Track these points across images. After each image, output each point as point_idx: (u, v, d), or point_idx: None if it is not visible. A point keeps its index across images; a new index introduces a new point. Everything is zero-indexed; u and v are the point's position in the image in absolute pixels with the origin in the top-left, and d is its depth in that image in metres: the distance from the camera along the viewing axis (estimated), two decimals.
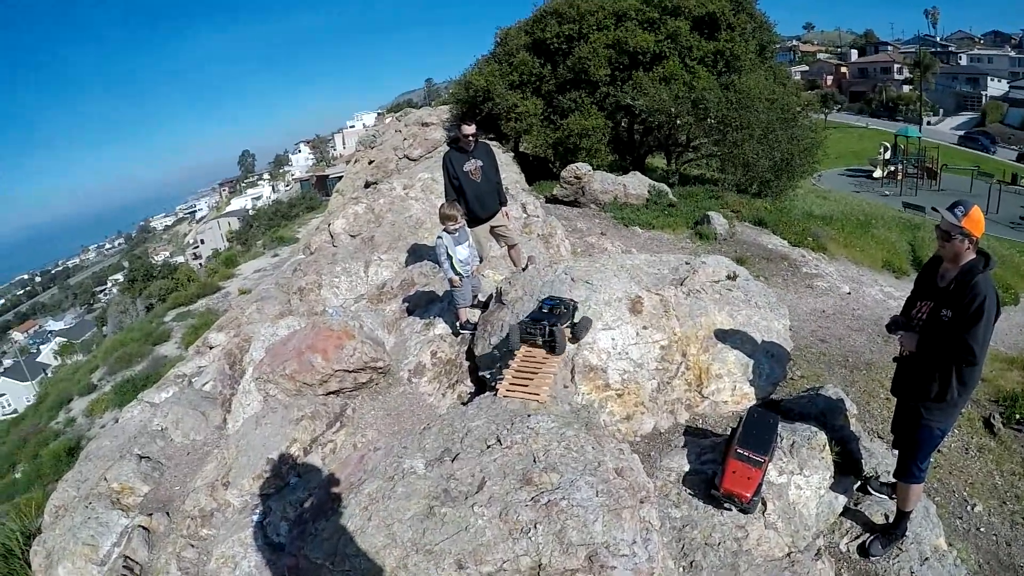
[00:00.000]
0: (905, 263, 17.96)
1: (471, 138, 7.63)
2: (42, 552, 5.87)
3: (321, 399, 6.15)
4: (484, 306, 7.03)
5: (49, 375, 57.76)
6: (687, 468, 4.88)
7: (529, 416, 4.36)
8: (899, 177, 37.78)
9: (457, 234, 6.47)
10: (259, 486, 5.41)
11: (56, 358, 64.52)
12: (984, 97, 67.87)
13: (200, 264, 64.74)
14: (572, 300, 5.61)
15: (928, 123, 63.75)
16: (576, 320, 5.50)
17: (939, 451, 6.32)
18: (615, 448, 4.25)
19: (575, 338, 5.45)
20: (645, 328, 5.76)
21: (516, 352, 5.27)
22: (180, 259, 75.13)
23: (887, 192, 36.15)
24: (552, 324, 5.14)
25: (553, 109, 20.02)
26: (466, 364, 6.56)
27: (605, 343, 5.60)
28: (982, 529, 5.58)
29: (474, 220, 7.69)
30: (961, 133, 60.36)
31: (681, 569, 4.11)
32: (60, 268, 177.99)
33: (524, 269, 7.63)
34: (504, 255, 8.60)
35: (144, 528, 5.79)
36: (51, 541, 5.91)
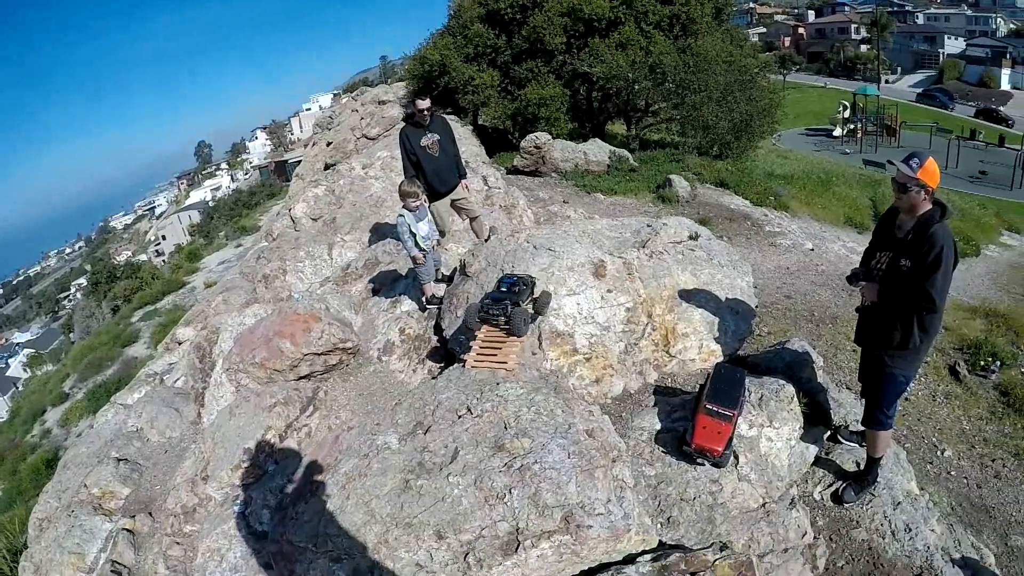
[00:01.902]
0: (867, 218, 18.26)
1: (426, 112, 7.55)
2: (30, 567, 5.81)
3: (293, 384, 6.11)
4: (449, 280, 7.02)
5: (20, 388, 56.75)
6: (659, 427, 4.93)
7: (498, 384, 4.39)
8: (859, 135, 38.31)
9: (418, 211, 6.43)
10: (238, 477, 5.36)
11: (26, 371, 63.32)
12: (941, 55, 68.75)
13: (164, 261, 63.77)
14: (530, 276, 5.53)
15: (886, 81, 64.51)
16: (536, 295, 5.45)
17: (907, 399, 6.49)
18: (585, 410, 4.29)
19: (538, 312, 5.41)
20: (609, 291, 5.79)
21: (477, 332, 5.19)
22: (143, 257, 73.88)
23: (847, 150, 36.61)
24: (514, 303, 5.03)
25: (510, 80, 20.00)
26: (434, 339, 6.55)
27: (571, 308, 5.63)
28: (952, 473, 5.75)
29: (434, 195, 7.64)
30: (919, 91, 61.12)
31: (659, 525, 4.17)
32: (21, 277, 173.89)
33: (487, 240, 7.63)
34: (467, 228, 8.58)
35: (128, 531, 5.74)
36: (38, 555, 5.85)
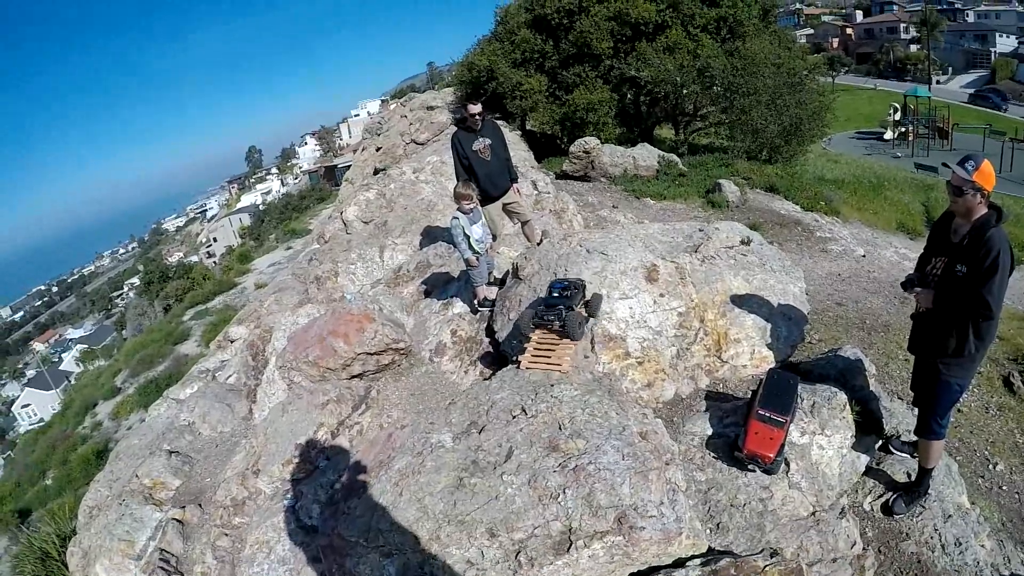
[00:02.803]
0: (919, 224, 17.82)
1: (478, 117, 7.62)
2: (78, 552, 5.98)
3: (345, 383, 6.21)
4: (501, 283, 7.06)
5: (73, 382, 58.45)
6: (710, 432, 4.92)
7: (552, 386, 4.43)
8: (910, 138, 37.32)
9: (471, 213, 6.49)
10: (289, 471, 5.47)
11: (78, 365, 65.28)
12: (993, 54, 66.57)
13: (214, 262, 65.02)
14: (580, 279, 5.56)
15: (937, 82, 62.77)
16: (588, 298, 5.49)
17: (960, 410, 6.33)
18: (638, 412, 4.30)
19: (591, 315, 5.45)
20: (662, 296, 5.79)
21: (531, 336, 5.24)
22: (194, 259, 75.39)
23: (899, 154, 35.71)
24: (568, 308, 5.07)
25: (558, 85, 19.95)
26: (486, 341, 6.59)
27: (623, 312, 5.64)
28: (1004, 487, 5.59)
29: (486, 198, 7.67)
30: (971, 91, 59.32)
31: (708, 531, 4.15)
32: (76, 276, 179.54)
33: (539, 244, 7.66)
34: (518, 232, 8.62)
35: (178, 521, 5.86)
36: (87, 541, 6.01)
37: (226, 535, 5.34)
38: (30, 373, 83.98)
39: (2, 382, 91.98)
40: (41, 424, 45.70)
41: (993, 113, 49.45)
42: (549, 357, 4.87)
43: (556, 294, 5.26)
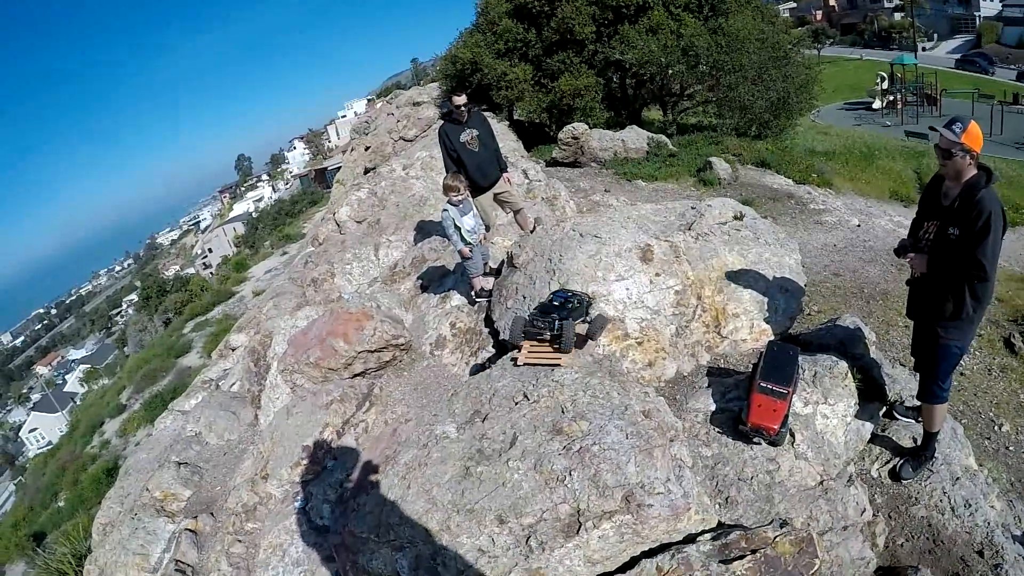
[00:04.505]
0: (912, 191, 17.81)
1: (463, 108, 7.58)
2: (95, 570, 6.01)
3: (348, 382, 6.23)
4: (497, 272, 7.06)
5: (78, 403, 58.56)
6: (713, 407, 4.92)
7: (553, 371, 4.43)
8: (899, 106, 37.26)
9: (461, 205, 6.47)
10: (298, 474, 5.50)
11: (83, 385, 65.36)
12: (978, 18, 66.26)
13: (211, 273, 64.94)
14: (587, 295, 5.41)
15: (923, 49, 62.52)
16: (591, 317, 5.27)
17: (962, 373, 6.36)
18: (640, 392, 4.31)
19: (589, 338, 5.17)
20: (658, 275, 5.78)
21: (520, 345, 5.02)
22: (191, 271, 75.35)
23: (888, 122, 35.67)
24: (563, 318, 4.82)
25: (543, 73, 19.86)
26: (485, 331, 6.58)
27: (620, 293, 5.62)
28: (1011, 448, 5.62)
29: (477, 189, 7.64)
30: (958, 56, 59.06)
31: (717, 505, 4.16)
32: (74, 297, 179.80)
33: (532, 231, 7.66)
34: (511, 221, 8.61)
35: (191, 531, 5.91)
36: (102, 558, 6.05)
37: (239, 541, 5.37)
38: (35, 397, 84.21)
39: (8, 408, 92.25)
40: (49, 447, 45.82)
41: (981, 77, 49.25)
42: (545, 354, 4.83)
43: (556, 302, 5.09)
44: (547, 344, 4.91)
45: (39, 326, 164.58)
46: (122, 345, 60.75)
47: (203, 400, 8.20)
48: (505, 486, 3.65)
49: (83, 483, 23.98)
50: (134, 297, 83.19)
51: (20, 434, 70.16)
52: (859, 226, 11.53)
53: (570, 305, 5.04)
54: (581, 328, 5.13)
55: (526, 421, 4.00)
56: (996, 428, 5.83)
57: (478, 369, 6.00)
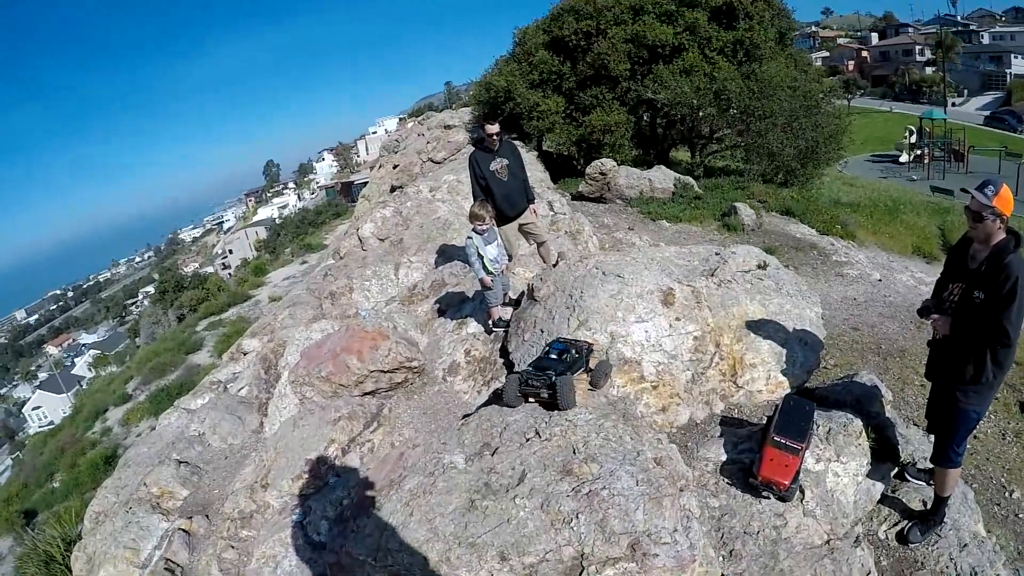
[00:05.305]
0: (935, 248, 17.70)
1: (495, 137, 7.63)
2: (83, 557, 6.01)
3: (357, 400, 6.22)
4: (516, 303, 7.05)
5: (84, 387, 58.83)
6: (724, 458, 4.88)
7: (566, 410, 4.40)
8: (926, 161, 37.14)
9: (486, 233, 6.48)
10: (298, 487, 5.47)
11: (90, 370, 65.62)
12: (1009, 75, 66.14)
13: (229, 274, 65.30)
14: (587, 342, 5.23)
15: (953, 104, 62.40)
16: (593, 365, 5.09)
17: (976, 437, 6.26)
18: (653, 438, 4.28)
19: (593, 385, 5.03)
20: (678, 319, 5.76)
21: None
22: (209, 269, 75.75)
23: (914, 176, 35.56)
24: (560, 373, 4.58)
25: (575, 106, 19.99)
26: (500, 362, 6.57)
27: (639, 336, 5.60)
28: (1020, 515, 5.51)
29: (503, 219, 7.65)
30: (987, 113, 58.90)
31: (721, 558, 4.11)
32: (91, 282, 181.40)
33: (555, 265, 7.65)
34: (533, 253, 8.62)
35: (184, 531, 5.88)
36: (92, 546, 6.04)
37: (232, 547, 5.34)
38: (42, 376, 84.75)
39: (14, 383, 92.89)
40: (51, 427, 45.94)
41: (1009, 135, 49.08)
42: None
43: (553, 355, 4.89)
44: (545, 402, 4.69)
45: (54, 307, 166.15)
46: (134, 335, 61.02)
47: (210, 401, 8.20)
48: (510, 523, 3.61)
49: (80, 467, 23.96)
50: (151, 289, 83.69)
51: (23, 410, 70.53)
52: (880, 280, 11.45)
53: (567, 357, 4.87)
54: (583, 378, 4.99)
55: (536, 459, 3.97)
56: (1007, 494, 5.72)
57: (494, 396, 5.91)
